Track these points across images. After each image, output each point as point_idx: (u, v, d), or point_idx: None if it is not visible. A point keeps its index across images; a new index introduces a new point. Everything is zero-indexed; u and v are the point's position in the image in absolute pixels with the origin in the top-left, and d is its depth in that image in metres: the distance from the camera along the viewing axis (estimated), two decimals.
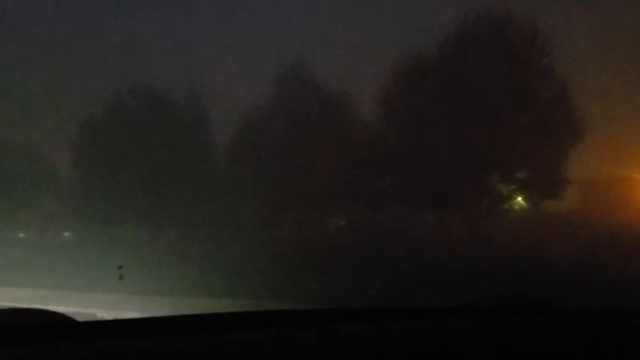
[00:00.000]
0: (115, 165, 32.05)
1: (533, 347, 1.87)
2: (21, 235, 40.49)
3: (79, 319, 2.36)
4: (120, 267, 12.67)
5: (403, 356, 1.81)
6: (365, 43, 35.11)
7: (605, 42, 31.08)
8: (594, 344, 1.88)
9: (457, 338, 1.97)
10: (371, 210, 30.51)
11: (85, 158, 34.33)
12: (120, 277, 12.47)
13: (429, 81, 27.85)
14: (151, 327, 2.22)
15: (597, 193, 28.52)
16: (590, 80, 28.23)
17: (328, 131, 29.91)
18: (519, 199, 28.82)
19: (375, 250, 21.79)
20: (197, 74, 35.07)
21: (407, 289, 11.63)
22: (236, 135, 33.41)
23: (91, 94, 36.09)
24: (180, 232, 33.00)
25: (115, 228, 32.99)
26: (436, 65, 28.31)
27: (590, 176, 29.23)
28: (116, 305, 11.64)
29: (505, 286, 10.76)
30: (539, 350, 1.84)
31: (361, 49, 36.34)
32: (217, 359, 1.81)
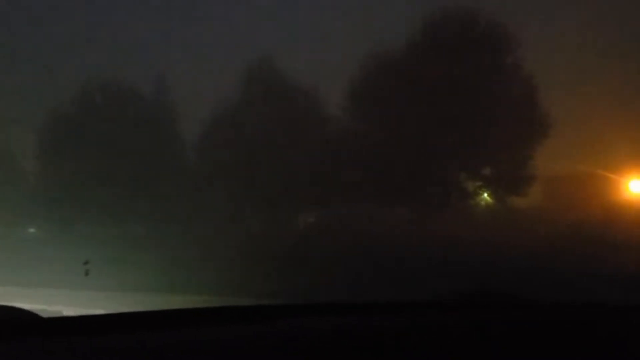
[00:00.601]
0: (83, 161, 31.64)
1: (500, 339, 1.90)
2: None
3: (45, 316, 2.34)
4: (86, 263, 12.52)
5: (371, 349, 1.83)
6: (335, 39, 35.10)
7: (571, 40, 31.53)
8: (559, 335, 1.93)
9: (425, 331, 2.00)
10: (340, 206, 30.56)
11: (52, 154, 33.83)
12: (87, 273, 12.32)
13: (398, 78, 28.00)
14: (117, 324, 2.21)
15: (562, 189, 28.96)
16: (555, 78, 28.59)
17: (297, 127, 29.88)
18: (485, 195, 29.16)
19: (343, 246, 21.83)
20: (165, 69, 34.64)
21: (376, 284, 11.69)
22: (205, 131, 33.21)
23: (57, 89, 35.48)
24: (149, 228, 32.69)
25: (83, 224, 32.56)
26: (405, 62, 28.49)
27: (555, 173, 29.67)
28: (83, 302, 11.49)
29: (473, 281, 10.87)
30: (505, 342, 1.87)
31: (331, 44, 36.33)
32: (182, 354, 1.81)
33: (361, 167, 28.45)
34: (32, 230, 37.51)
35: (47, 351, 1.85)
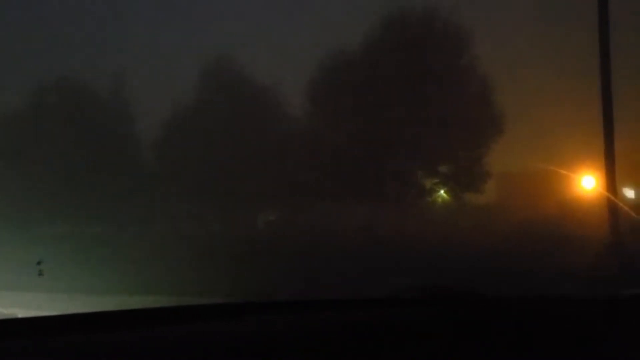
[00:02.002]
0: (36, 160, 31.04)
1: (457, 333, 1.94)
2: None
3: (1, 318, 2.30)
4: (39, 263, 12.24)
5: (331, 345, 1.84)
6: (292, 39, 35.08)
7: (525, 37, 32.09)
8: (512, 329, 1.97)
9: (381, 327, 2.02)
10: (299, 204, 30.60)
11: (4, 154, 33.12)
12: (40, 273, 12.05)
13: (354, 77, 28.17)
14: (71, 324, 2.18)
15: (516, 185, 29.49)
16: (510, 76, 29.07)
17: (256, 126, 29.80)
18: (442, 192, 29.55)
19: (302, 244, 21.85)
20: (121, 67, 34.10)
21: (334, 282, 11.73)
22: (162, 130, 32.91)
23: (8, 88, 34.67)
24: (104, 228, 32.22)
25: (39, 225, 31.89)
26: (360, 62, 28.68)
27: (509, 169, 30.21)
28: (38, 304, 11.26)
29: (430, 277, 10.99)
30: (463, 336, 1.91)
31: (290, 44, 36.27)
32: (139, 354, 1.80)
33: (319, 165, 28.54)
34: None
35: (2, 353, 1.82)
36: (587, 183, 17.75)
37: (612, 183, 13.60)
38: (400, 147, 27.58)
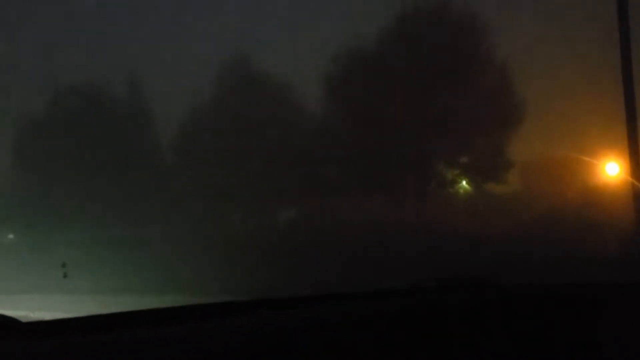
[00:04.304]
0: (59, 165, 31.36)
1: (482, 322, 1.93)
2: None
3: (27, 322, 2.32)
4: (64, 265, 12.42)
5: (359, 333, 1.85)
6: (306, 34, 34.99)
7: (546, 24, 31.75)
8: (532, 316, 1.96)
9: (402, 315, 2.02)
10: (321, 200, 30.63)
11: (27, 159, 33.51)
12: (65, 275, 12.22)
13: (373, 71, 28.09)
14: (96, 325, 2.20)
15: (538, 174, 29.23)
16: (528, 63, 28.79)
17: (274, 123, 29.84)
18: (464, 182, 29.40)
19: (325, 240, 21.91)
20: (138, 68, 34.29)
21: (357, 275, 11.75)
22: (181, 130, 33.08)
23: (29, 93, 35.05)
24: (127, 229, 32.51)
25: (61, 229, 32.24)
26: (378, 56, 28.57)
27: (531, 158, 29.94)
28: (64, 306, 11.40)
29: (454, 268, 10.96)
30: (478, 323, 1.90)
31: (304, 40, 36.22)
32: (165, 351, 1.81)
33: (340, 160, 28.53)
34: (10, 236, 37.09)
35: (28, 354, 1.84)
36: (611, 170, 17.53)
37: (636, 169, 13.41)
38: (420, 139, 27.47)
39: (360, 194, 29.25)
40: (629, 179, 13.73)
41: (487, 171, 28.48)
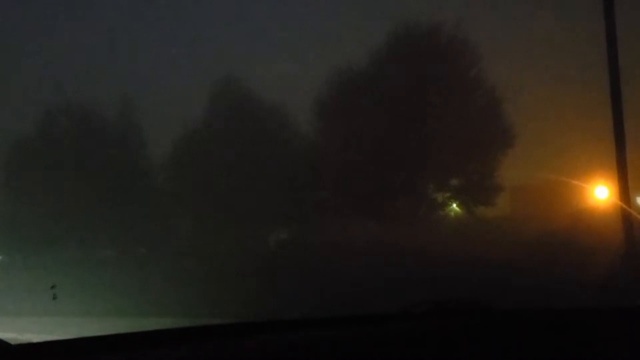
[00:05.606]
0: (49, 185, 31.22)
1: (472, 346, 1.93)
2: None
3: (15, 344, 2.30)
4: (53, 287, 12.32)
5: (352, 358, 1.85)
6: (298, 57, 35.27)
7: (534, 49, 32.12)
8: (522, 340, 1.96)
9: (395, 340, 2.03)
10: (310, 223, 30.54)
11: (17, 179, 33.39)
12: (54, 297, 12.12)
13: (364, 93, 28.21)
14: (84, 348, 2.19)
15: (528, 197, 29.39)
16: (519, 88, 29.08)
17: (266, 144, 29.87)
18: (454, 205, 29.45)
19: (316, 262, 21.82)
20: (129, 90, 34.39)
21: (348, 298, 11.70)
22: (172, 152, 33.07)
23: (20, 113, 35.07)
24: (116, 251, 32.34)
25: (50, 250, 32.04)
26: (369, 78, 28.71)
27: (521, 182, 30.12)
28: (53, 329, 11.32)
29: (444, 291, 10.93)
30: (469, 349, 1.90)
31: (294, 63, 36.49)
32: None
33: (330, 182, 28.53)
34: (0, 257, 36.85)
35: None
36: (600, 193, 17.62)
37: (625, 192, 13.51)
38: (410, 161, 27.55)
39: (350, 217, 29.21)
40: (618, 202, 13.81)
41: (478, 194, 28.55)
